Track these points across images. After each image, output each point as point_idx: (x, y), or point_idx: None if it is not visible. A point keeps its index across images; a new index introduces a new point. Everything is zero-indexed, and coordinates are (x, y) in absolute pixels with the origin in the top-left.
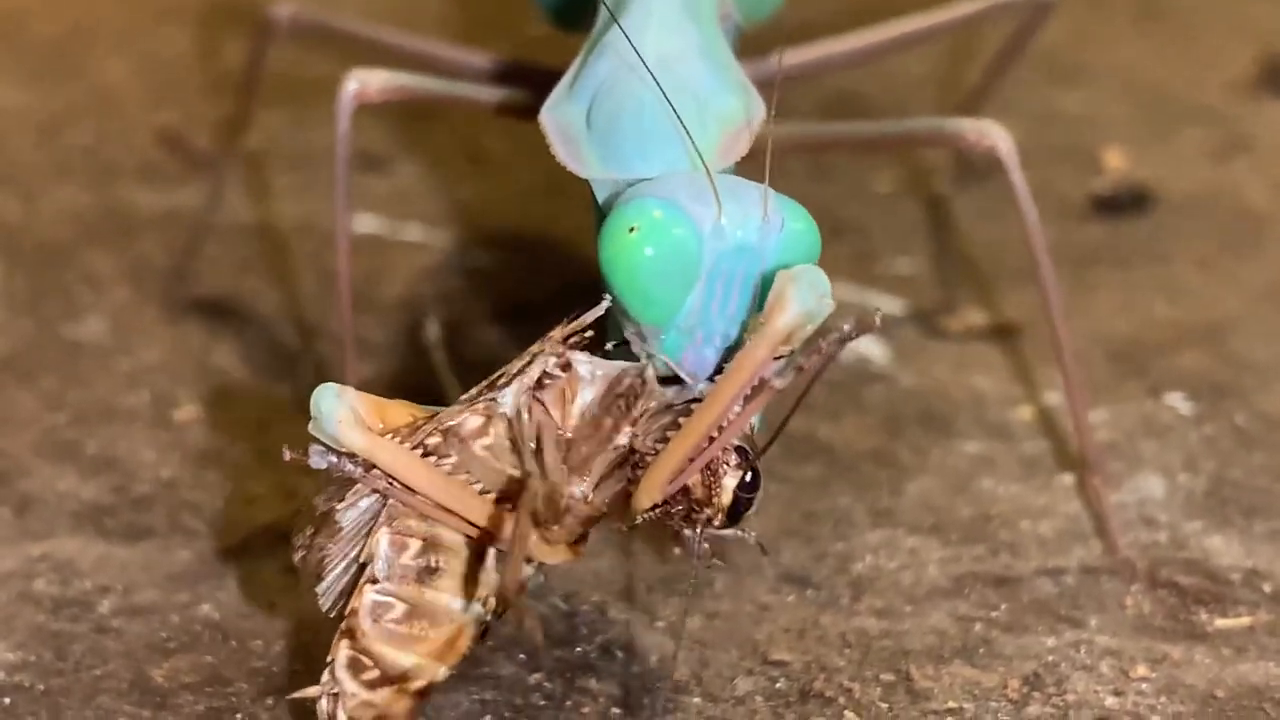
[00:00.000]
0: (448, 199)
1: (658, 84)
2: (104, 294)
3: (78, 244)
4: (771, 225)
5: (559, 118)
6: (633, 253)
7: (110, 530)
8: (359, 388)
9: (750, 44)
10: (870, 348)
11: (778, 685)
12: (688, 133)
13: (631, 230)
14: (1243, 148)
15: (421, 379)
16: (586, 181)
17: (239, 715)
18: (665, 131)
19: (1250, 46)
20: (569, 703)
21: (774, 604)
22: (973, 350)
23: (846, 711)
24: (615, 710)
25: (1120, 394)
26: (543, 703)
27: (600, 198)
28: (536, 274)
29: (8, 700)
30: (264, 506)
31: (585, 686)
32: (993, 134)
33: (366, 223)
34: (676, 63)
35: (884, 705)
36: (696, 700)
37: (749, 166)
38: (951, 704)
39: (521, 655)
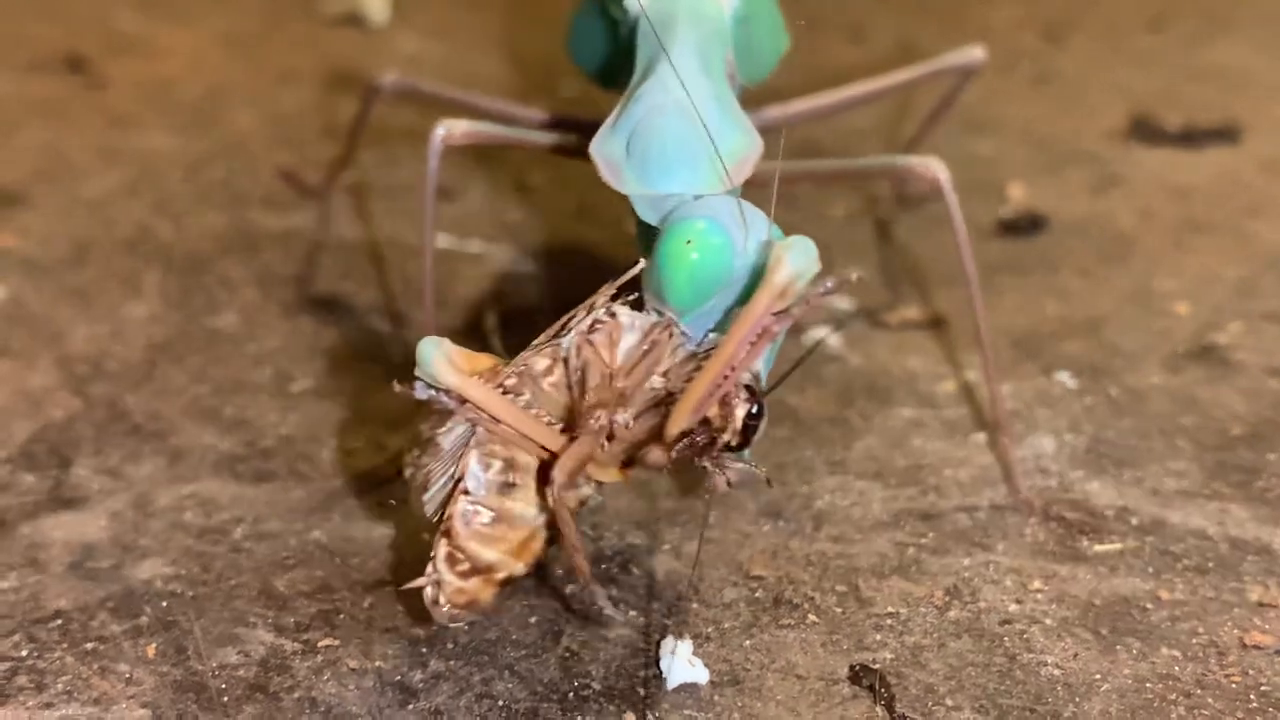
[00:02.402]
0: (501, 221)
1: (694, 119)
2: (236, 294)
3: (216, 256)
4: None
5: (604, 150)
6: (686, 257)
7: (242, 474)
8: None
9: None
10: (828, 336)
11: (757, 594)
12: (719, 155)
13: (688, 242)
14: (1116, 183)
15: None
16: (624, 200)
17: (342, 615)
18: (686, 159)
19: (1122, 104)
20: (596, 607)
21: (753, 532)
22: (907, 338)
23: (810, 615)
24: (632, 613)
25: (1020, 373)
26: (576, 607)
27: (637, 208)
28: (570, 278)
29: (164, 604)
30: (361, 457)
31: (609, 595)
32: (935, 168)
33: (440, 239)
34: (695, 107)
35: (839, 610)
36: (694, 605)
37: (754, 195)
38: (890, 609)
39: (559, 571)
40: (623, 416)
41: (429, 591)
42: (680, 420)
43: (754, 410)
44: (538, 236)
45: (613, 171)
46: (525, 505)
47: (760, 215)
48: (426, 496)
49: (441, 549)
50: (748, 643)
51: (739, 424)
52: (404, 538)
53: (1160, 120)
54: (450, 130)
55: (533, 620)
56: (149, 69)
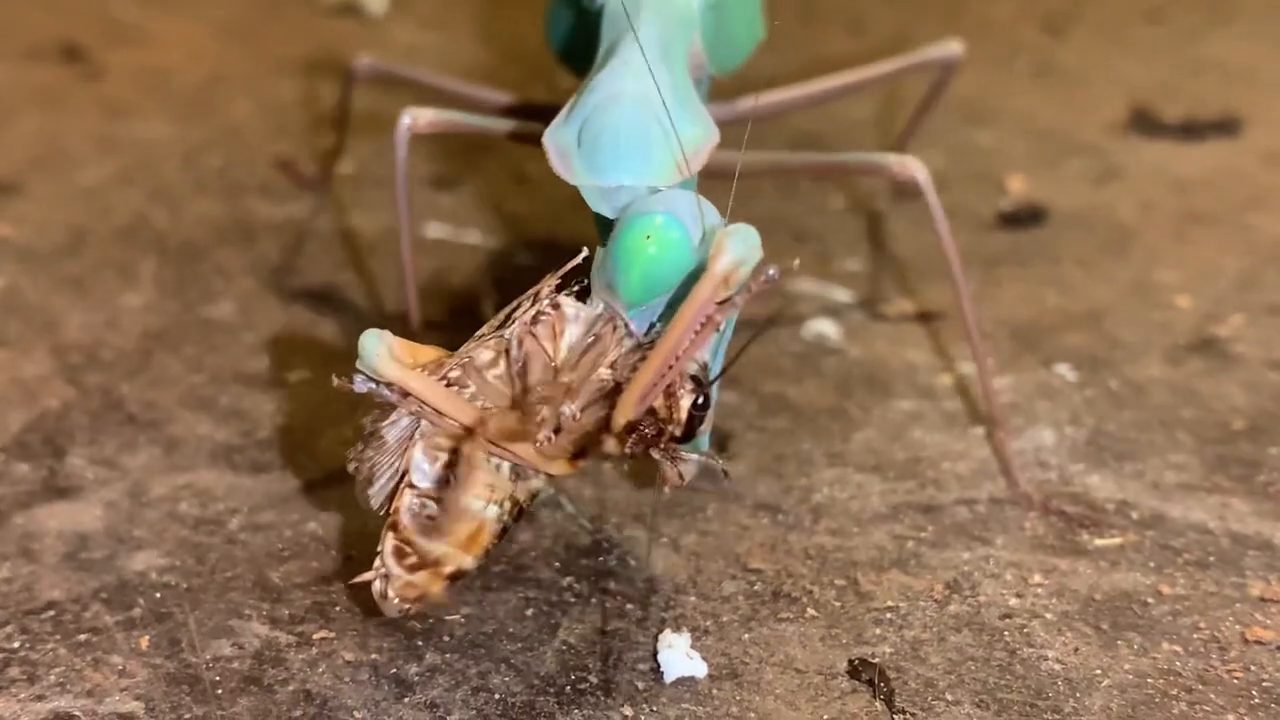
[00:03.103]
0: (499, 212)
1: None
2: (232, 283)
3: (212, 244)
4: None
5: (556, 140)
6: (644, 252)
7: (238, 465)
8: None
9: (721, 90)
10: (826, 327)
11: (755, 587)
12: (672, 146)
13: (648, 237)
14: (1116, 175)
15: None
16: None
17: (338, 607)
18: (637, 149)
19: (1122, 96)
20: (593, 600)
21: (752, 525)
22: (906, 330)
23: (808, 609)
24: (629, 606)
25: (1020, 365)
26: (573, 600)
27: (588, 200)
28: None
29: (158, 595)
30: None
31: (606, 587)
32: (912, 166)
33: (437, 230)
34: (649, 98)
35: (837, 604)
36: (692, 599)
37: (714, 185)
38: (890, 603)
39: (557, 563)
40: (569, 409)
41: (377, 585)
42: (625, 411)
43: (699, 401)
44: (535, 227)
45: (563, 161)
46: (474, 497)
47: (711, 209)
48: (372, 490)
49: (389, 543)
50: (746, 636)
51: (684, 415)
52: (363, 526)
53: (1160, 112)
54: (416, 119)
55: (529, 613)
56: (146, 58)
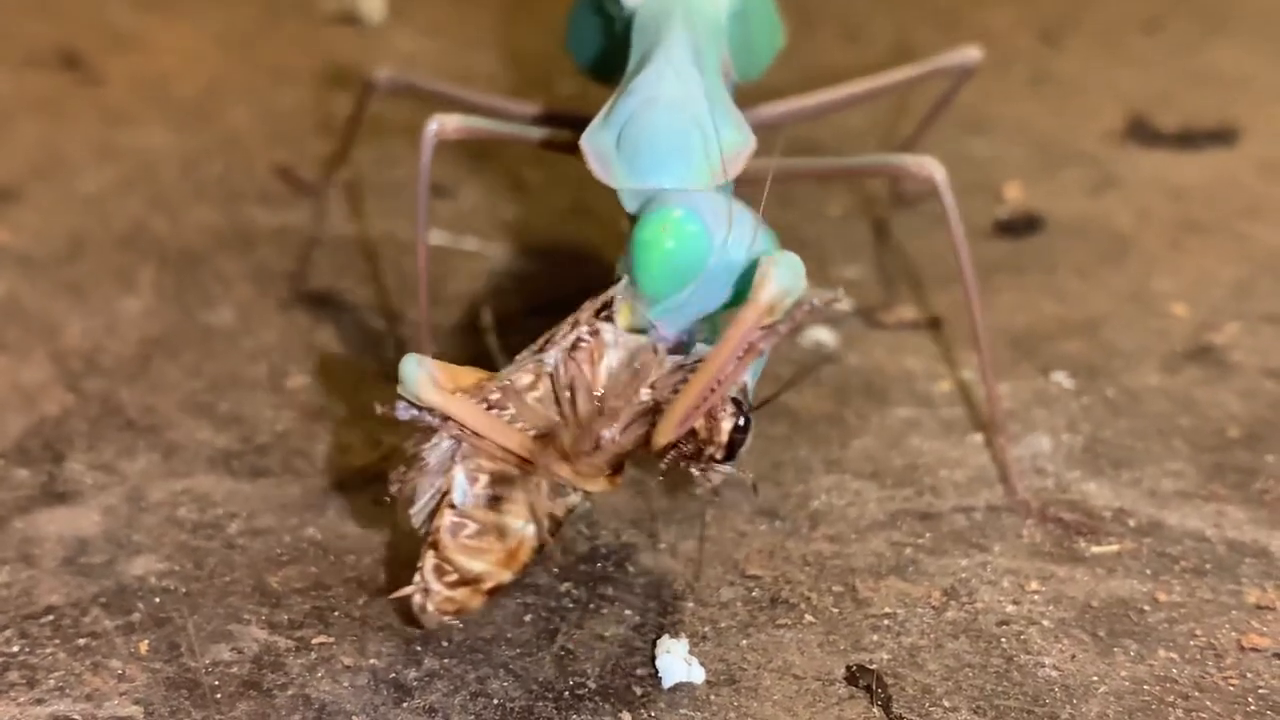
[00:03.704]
0: (497, 218)
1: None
2: (232, 289)
3: (211, 251)
4: (755, 249)
5: (595, 143)
6: (660, 244)
7: (237, 470)
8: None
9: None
10: (824, 335)
11: (753, 594)
12: (710, 150)
13: (664, 229)
14: (1113, 184)
15: (477, 355)
16: (614, 194)
17: (336, 613)
18: (677, 152)
19: (1119, 105)
20: (591, 605)
21: (750, 531)
22: (904, 337)
23: (806, 615)
24: (628, 612)
25: (1017, 372)
26: (571, 605)
27: (626, 203)
28: (565, 276)
29: (158, 599)
30: (356, 453)
31: (604, 593)
32: (930, 167)
33: (435, 236)
34: (688, 102)
35: (835, 610)
36: (690, 605)
37: (748, 192)
38: (887, 610)
39: (555, 569)
40: (610, 432)
41: (417, 599)
42: (667, 432)
43: (740, 424)
44: (533, 234)
45: (603, 164)
46: (512, 517)
47: (748, 215)
48: (414, 510)
49: (429, 560)
50: (744, 642)
51: (725, 437)
52: (398, 536)
53: (1157, 122)
54: (443, 125)
55: (528, 619)
56: (145, 65)
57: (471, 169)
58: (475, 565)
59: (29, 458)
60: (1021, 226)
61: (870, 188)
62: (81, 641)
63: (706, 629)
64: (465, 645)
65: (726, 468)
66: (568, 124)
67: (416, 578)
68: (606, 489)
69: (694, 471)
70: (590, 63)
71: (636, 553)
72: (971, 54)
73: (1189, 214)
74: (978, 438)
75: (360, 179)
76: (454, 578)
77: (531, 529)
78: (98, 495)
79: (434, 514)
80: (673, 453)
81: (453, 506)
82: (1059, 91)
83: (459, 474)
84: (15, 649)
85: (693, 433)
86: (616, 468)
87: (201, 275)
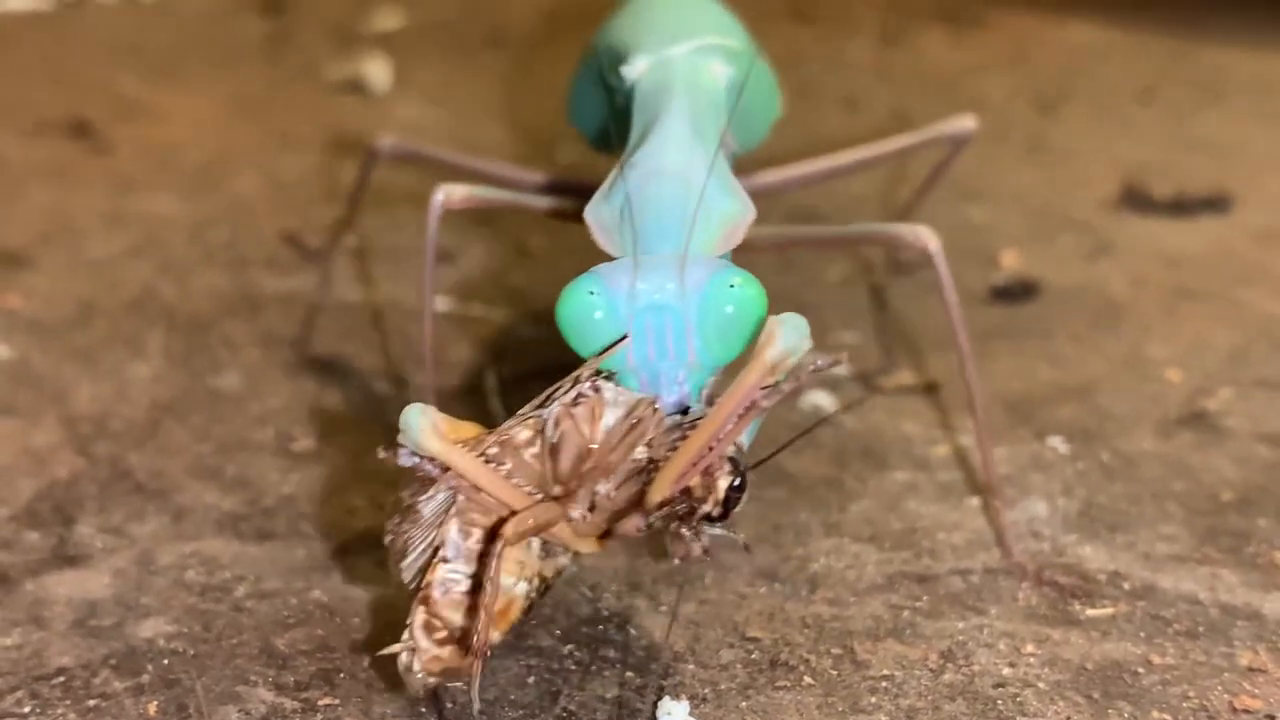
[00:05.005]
0: (501, 284)
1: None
2: (239, 354)
3: (219, 316)
4: (690, 290)
5: (598, 215)
6: (560, 311)
7: (244, 533)
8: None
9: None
10: (822, 399)
11: (753, 656)
12: (709, 221)
13: (562, 298)
14: (1108, 251)
15: (481, 419)
16: None
17: (342, 674)
18: (678, 224)
19: (1114, 174)
20: (593, 667)
21: (750, 594)
22: (902, 402)
23: (805, 677)
24: (629, 674)
25: (1013, 437)
26: (573, 667)
27: None
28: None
29: (166, 661)
30: (361, 516)
31: (605, 655)
32: (924, 236)
33: (440, 302)
34: (689, 174)
35: (834, 672)
36: (690, 667)
37: (749, 259)
38: (885, 672)
39: (557, 631)
40: (604, 488)
41: (404, 658)
42: (662, 489)
43: (736, 483)
44: (538, 300)
45: (607, 236)
46: (504, 574)
47: (671, 263)
48: (405, 563)
49: (419, 616)
50: (744, 704)
51: (721, 495)
52: (402, 598)
53: (1151, 190)
54: (449, 195)
55: (530, 680)
56: (153, 134)
57: (476, 235)
58: (465, 622)
59: (39, 521)
60: (1018, 293)
61: (868, 254)
62: (91, 703)
63: (707, 691)
64: (469, 707)
65: (718, 528)
66: (572, 192)
67: (405, 635)
68: (596, 550)
69: (684, 532)
70: (591, 132)
71: (638, 615)
72: (966, 123)
73: (1183, 281)
74: (975, 501)
75: (367, 245)
76: (443, 634)
77: (522, 587)
78: (107, 558)
79: (425, 568)
80: (666, 510)
81: (445, 560)
82: (1055, 160)
83: (452, 528)
84: (26, 709)
85: (687, 491)
86: (607, 530)
87: (209, 340)
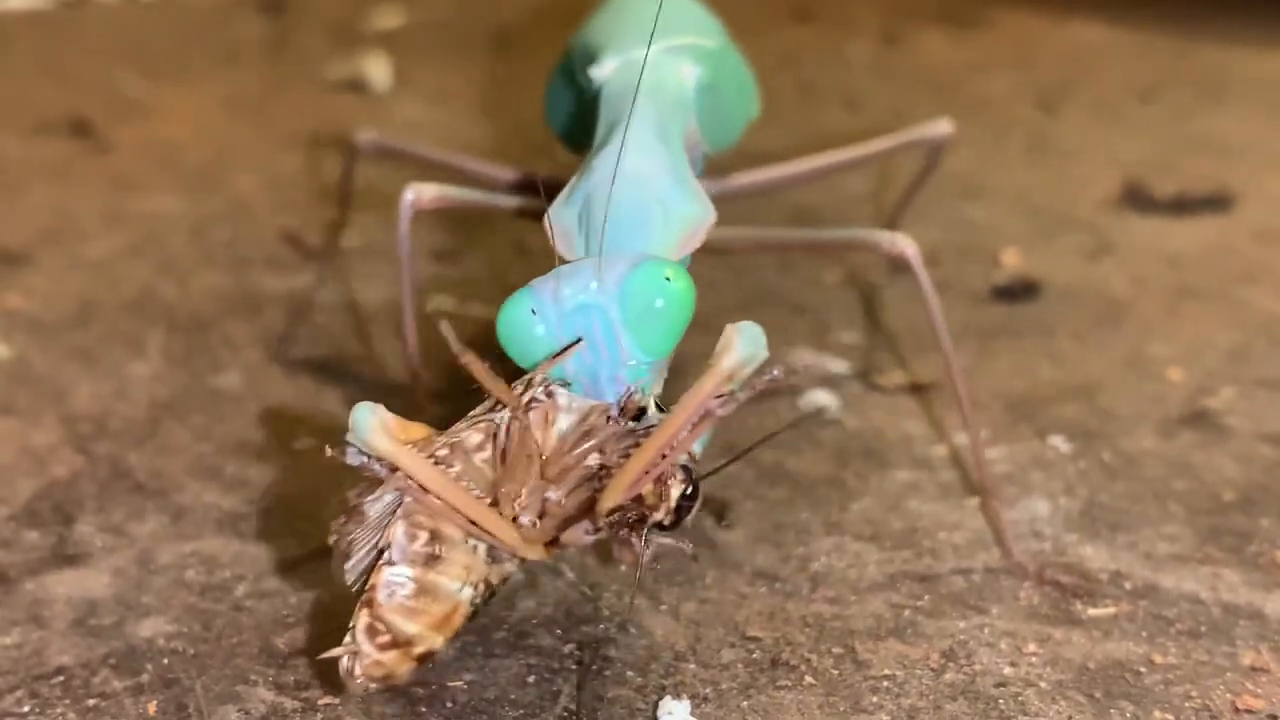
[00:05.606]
0: (501, 282)
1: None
2: (239, 354)
3: (219, 316)
4: (608, 288)
5: (559, 219)
6: (499, 331)
7: (244, 532)
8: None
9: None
10: (824, 399)
11: (754, 655)
12: (668, 224)
13: (499, 316)
14: (1109, 250)
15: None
16: None
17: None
18: (634, 228)
19: (1115, 172)
20: (594, 667)
21: (750, 593)
22: (902, 401)
23: (806, 677)
24: (630, 673)
25: (1015, 436)
26: (574, 666)
27: None
28: None
29: (165, 660)
30: None
31: (606, 654)
32: (902, 243)
33: (441, 301)
34: (649, 177)
35: (835, 672)
36: (691, 666)
37: (716, 261)
38: (886, 671)
39: (558, 631)
40: (554, 494)
41: (345, 662)
42: (614, 496)
43: (689, 491)
44: None
45: (565, 241)
46: (449, 579)
47: (588, 265)
48: (349, 565)
49: (362, 619)
50: (745, 704)
51: (673, 504)
52: (330, 596)
53: (1153, 189)
54: (419, 194)
55: (531, 680)
56: (153, 133)
57: (475, 235)
58: (409, 627)
59: (39, 520)
60: (1019, 292)
61: (865, 256)
62: (91, 702)
63: (708, 690)
64: (470, 706)
65: (667, 538)
66: (548, 192)
67: (347, 638)
68: (544, 557)
69: (633, 539)
70: (564, 132)
71: (638, 614)
72: (943, 127)
73: (1185, 280)
74: (976, 501)
75: (366, 244)
76: (386, 639)
77: (467, 593)
78: (107, 557)
79: (370, 571)
80: (617, 517)
81: (390, 563)
82: (1056, 159)
83: (399, 530)
84: (26, 709)
85: (639, 498)
86: (554, 538)
87: (209, 339)
